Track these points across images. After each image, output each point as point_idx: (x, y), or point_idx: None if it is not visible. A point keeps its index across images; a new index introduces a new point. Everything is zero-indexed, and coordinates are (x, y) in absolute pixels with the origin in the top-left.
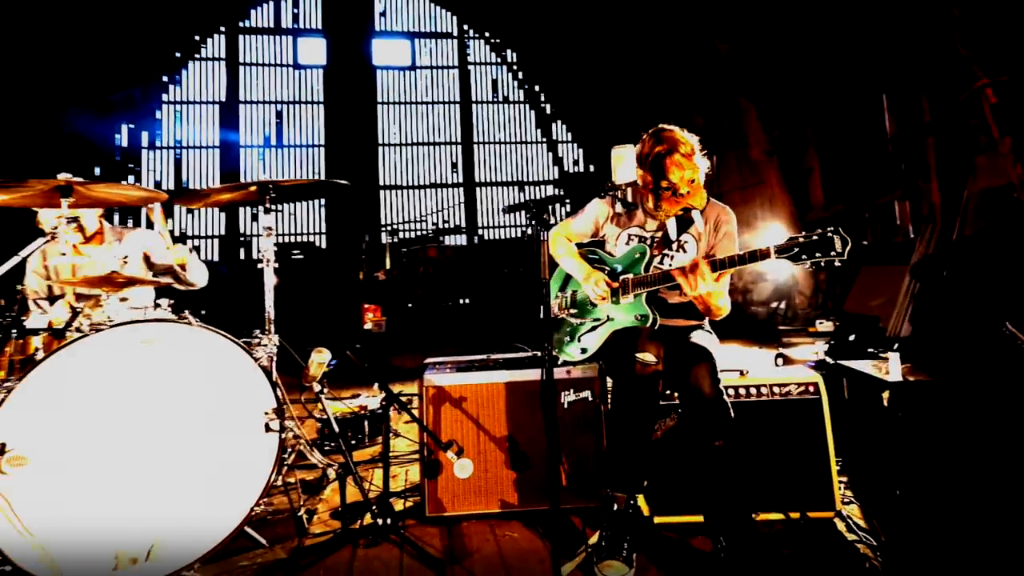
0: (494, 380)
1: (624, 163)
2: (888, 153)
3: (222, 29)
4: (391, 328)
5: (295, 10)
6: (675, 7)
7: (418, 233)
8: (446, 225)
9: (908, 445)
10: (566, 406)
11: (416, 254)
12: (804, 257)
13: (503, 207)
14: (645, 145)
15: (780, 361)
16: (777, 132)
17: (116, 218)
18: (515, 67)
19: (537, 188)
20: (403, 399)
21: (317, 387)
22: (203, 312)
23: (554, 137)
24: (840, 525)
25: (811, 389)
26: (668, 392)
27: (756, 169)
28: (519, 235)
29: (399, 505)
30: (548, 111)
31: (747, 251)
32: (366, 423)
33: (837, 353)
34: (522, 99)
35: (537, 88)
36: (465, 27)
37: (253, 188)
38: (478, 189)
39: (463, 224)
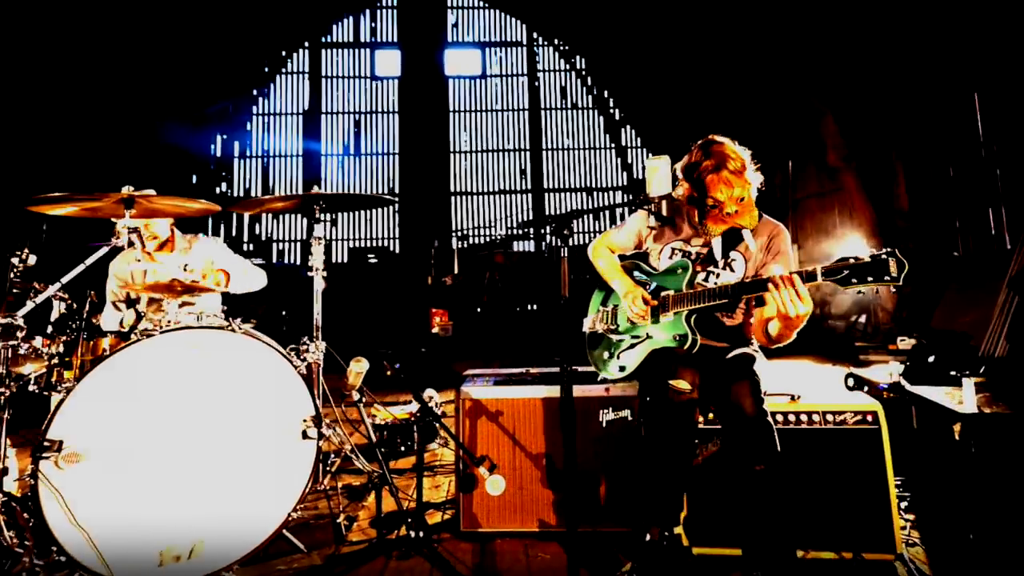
0: (531, 395)
1: (658, 175)
2: (981, 156)
3: (306, 44)
4: (457, 333)
5: (373, 24)
6: (747, 9)
7: (487, 239)
8: (512, 232)
9: (983, 484)
10: (604, 425)
11: (483, 259)
12: (855, 281)
13: (518, 222)
14: (692, 156)
15: (851, 382)
16: (856, 136)
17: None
18: (584, 73)
19: (605, 194)
20: (440, 410)
21: (356, 395)
22: (284, 313)
23: (623, 143)
24: (901, 570)
25: (869, 418)
26: (712, 416)
27: (834, 176)
28: (586, 242)
29: (436, 517)
30: (617, 116)
31: (788, 273)
32: (415, 429)
33: (914, 375)
34: (590, 105)
35: (606, 93)
36: (535, 35)
37: (298, 199)
38: (547, 195)
39: (531, 230)
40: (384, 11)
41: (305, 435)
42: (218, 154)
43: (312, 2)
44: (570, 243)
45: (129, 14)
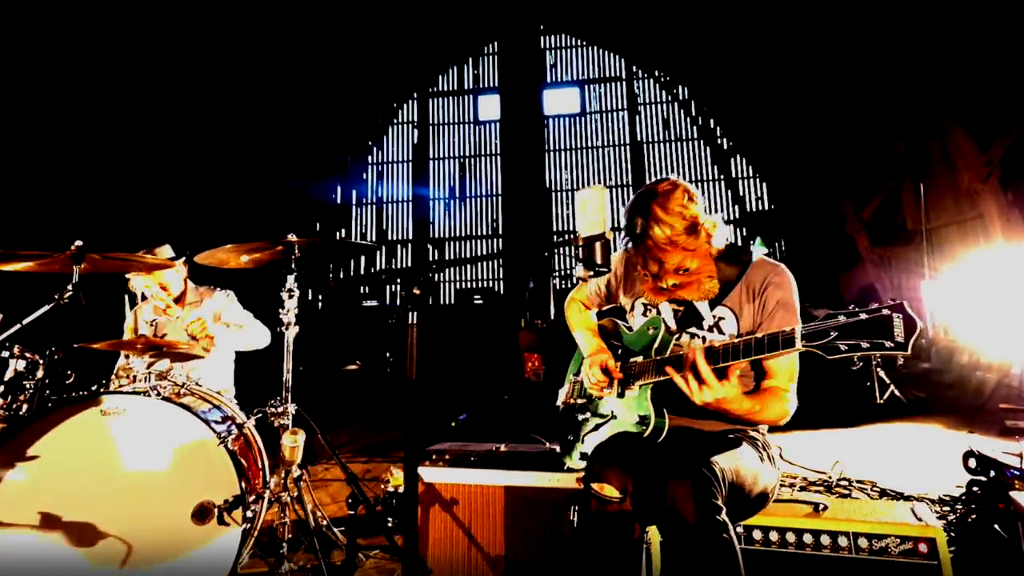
0: (491, 482)
1: (589, 209)
2: None
3: (415, 95)
4: (549, 378)
5: (475, 71)
6: (858, 20)
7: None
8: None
9: None
10: (576, 526)
11: None
12: (844, 349)
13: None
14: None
15: (972, 462)
16: (995, 148)
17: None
18: (687, 102)
19: None
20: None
21: (297, 472)
22: (390, 358)
23: (733, 174)
24: None
25: (922, 549)
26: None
27: (973, 200)
28: None
29: None
30: (725, 146)
31: (758, 336)
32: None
33: None
34: (695, 136)
35: (712, 122)
36: (633, 68)
37: (279, 248)
38: None
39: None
40: (486, 58)
41: (220, 519)
42: (338, 201)
43: (419, 56)
44: (425, 301)
45: (256, 77)
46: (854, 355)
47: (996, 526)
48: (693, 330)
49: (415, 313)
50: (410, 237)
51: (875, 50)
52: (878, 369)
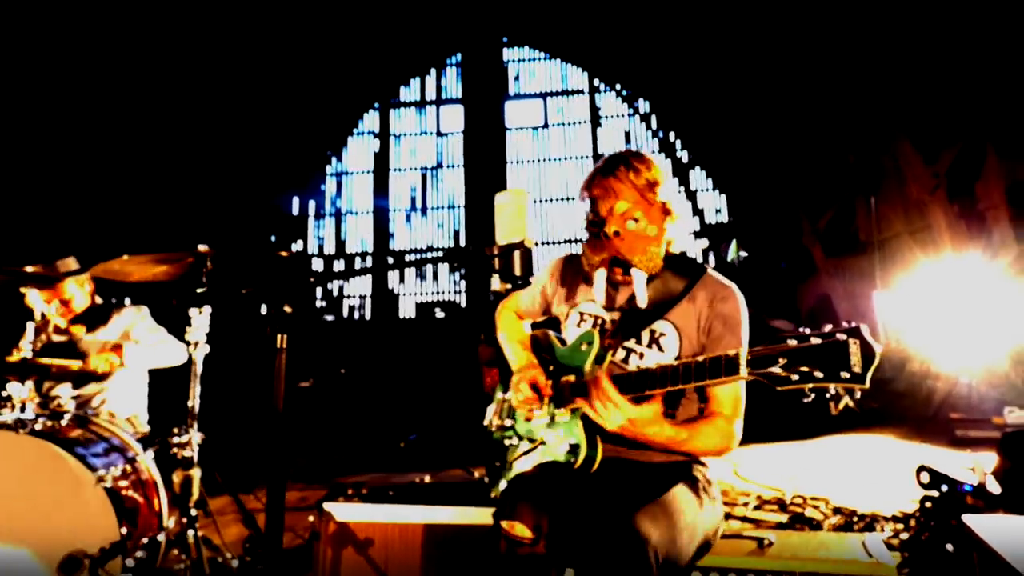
0: (410, 519)
1: (505, 214)
2: None
3: (376, 105)
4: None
5: (438, 83)
6: (813, 39)
7: None
8: None
9: None
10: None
11: None
12: (795, 379)
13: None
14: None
15: (925, 477)
16: (942, 161)
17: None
18: (648, 116)
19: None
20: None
21: (194, 512)
22: (342, 371)
23: (692, 186)
24: None
25: None
26: None
27: (922, 211)
28: None
29: None
30: (685, 159)
31: (686, 361)
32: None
33: (1014, 481)
34: (656, 149)
35: (672, 135)
36: (595, 81)
37: (189, 259)
38: None
39: None
40: (448, 69)
41: (93, 573)
42: (295, 212)
43: (381, 65)
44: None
45: (210, 83)
46: (805, 386)
47: (948, 545)
48: (631, 345)
49: (284, 336)
50: (370, 249)
51: (829, 67)
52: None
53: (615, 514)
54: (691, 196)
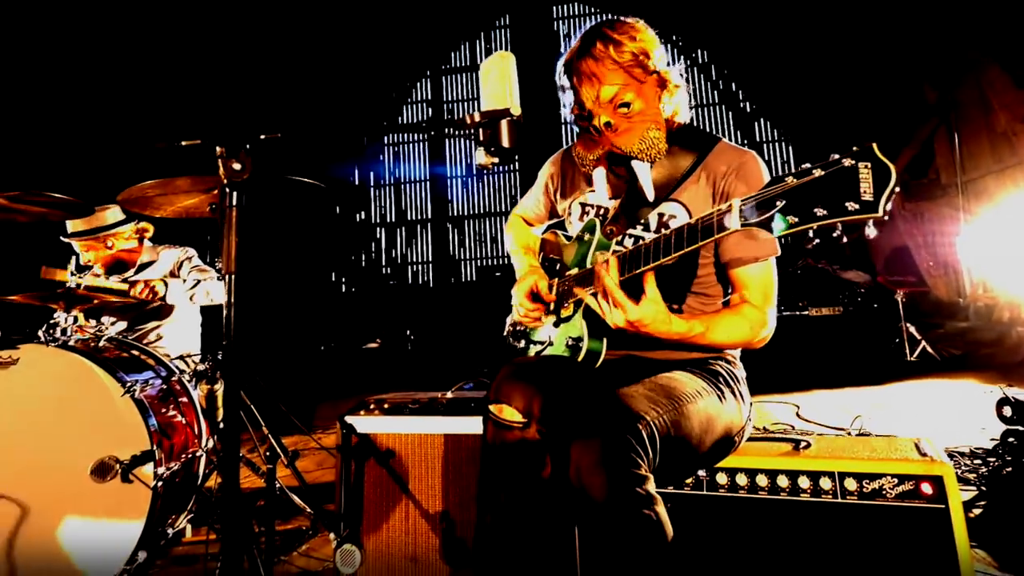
0: (430, 430)
1: (491, 79)
2: None
3: (428, 73)
4: None
5: (488, 46)
6: None
7: None
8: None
9: None
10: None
11: None
12: (793, 221)
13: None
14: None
15: (1008, 410)
16: None
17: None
18: (707, 67)
19: None
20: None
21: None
22: (408, 333)
23: (757, 138)
24: None
25: (927, 490)
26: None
27: (1012, 144)
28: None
29: None
30: (748, 110)
31: (678, 227)
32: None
33: None
34: (716, 100)
35: (733, 86)
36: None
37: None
38: None
39: None
40: (497, 31)
41: (124, 477)
42: (356, 183)
43: (431, 33)
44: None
45: (268, 58)
46: (807, 227)
47: None
48: (638, 232)
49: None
50: (430, 216)
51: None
52: (908, 325)
53: (608, 394)
54: (756, 149)
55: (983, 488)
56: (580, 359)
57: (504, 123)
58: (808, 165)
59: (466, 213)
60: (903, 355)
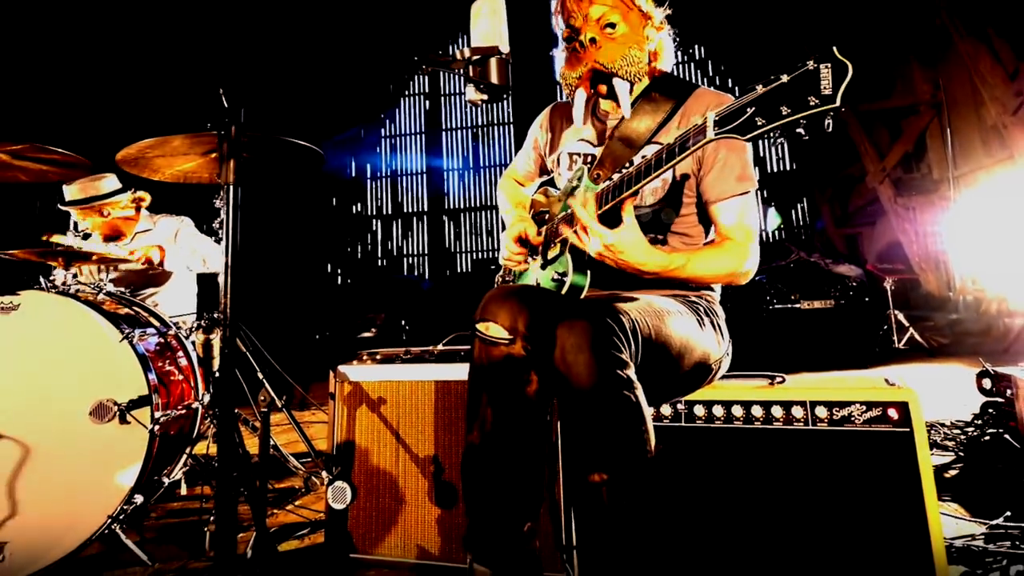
0: (419, 377)
1: (481, 17)
2: None
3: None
4: None
5: None
6: None
7: None
8: None
9: None
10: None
11: None
12: (760, 124)
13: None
14: None
15: (987, 382)
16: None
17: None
18: (703, 62)
19: None
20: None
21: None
22: (403, 323)
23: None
24: None
25: (892, 415)
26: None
27: (1002, 137)
28: None
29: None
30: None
31: (659, 150)
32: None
33: None
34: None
35: (730, 82)
36: None
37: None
38: None
39: None
40: None
41: (123, 418)
42: (353, 175)
43: (428, 25)
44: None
45: (264, 48)
46: (775, 125)
47: (1007, 436)
48: (622, 172)
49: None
50: (426, 209)
51: None
52: (896, 313)
53: (593, 303)
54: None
55: (960, 453)
56: (564, 292)
57: (494, 60)
58: (776, 75)
59: (462, 206)
60: (891, 342)
